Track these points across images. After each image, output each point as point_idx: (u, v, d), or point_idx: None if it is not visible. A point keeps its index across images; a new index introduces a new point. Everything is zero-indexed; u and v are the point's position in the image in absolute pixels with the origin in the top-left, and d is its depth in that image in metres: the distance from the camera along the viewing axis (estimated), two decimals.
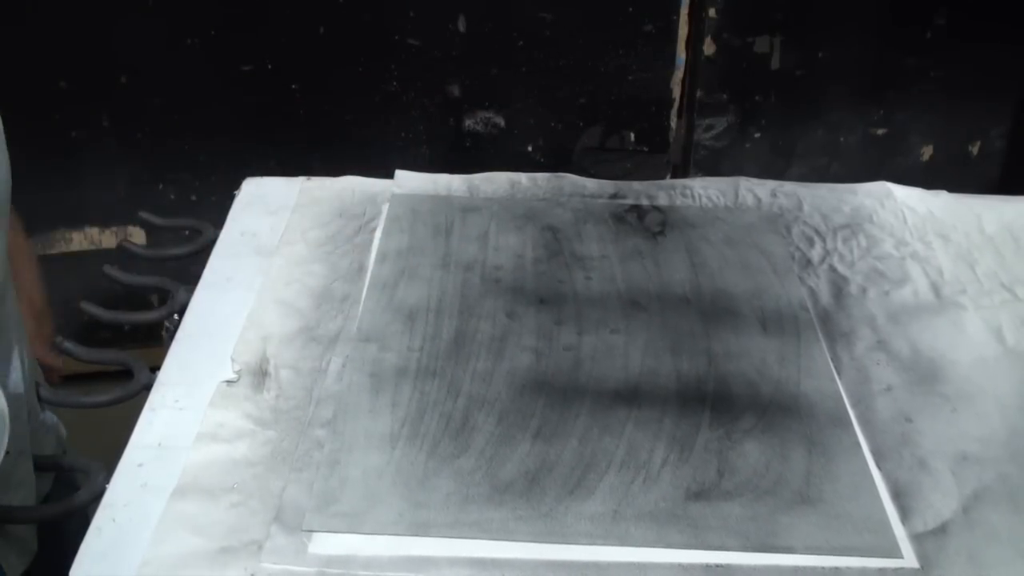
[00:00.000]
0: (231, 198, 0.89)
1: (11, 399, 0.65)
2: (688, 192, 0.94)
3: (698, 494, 0.61)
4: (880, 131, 1.63)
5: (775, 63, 1.56)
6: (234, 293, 0.77)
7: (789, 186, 0.95)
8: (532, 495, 0.60)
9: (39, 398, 0.70)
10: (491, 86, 1.54)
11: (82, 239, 1.61)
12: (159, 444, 0.63)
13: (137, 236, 1.54)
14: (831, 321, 0.77)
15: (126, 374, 0.70)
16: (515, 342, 0.73)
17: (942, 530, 0.59)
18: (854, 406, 0.69)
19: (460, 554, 0.56)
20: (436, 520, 0.58)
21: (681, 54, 1.55)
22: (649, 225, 0.89)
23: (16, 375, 0.66)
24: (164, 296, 0.79)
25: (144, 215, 0.88)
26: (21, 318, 0.70)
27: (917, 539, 0.58)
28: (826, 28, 1.55)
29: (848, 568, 0.57)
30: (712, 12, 1.50)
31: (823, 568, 0.56)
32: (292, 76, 1.51)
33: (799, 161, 1.64)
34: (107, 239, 1.61)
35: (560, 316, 0.76)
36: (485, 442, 0.64)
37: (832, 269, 0.83)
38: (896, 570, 0.57)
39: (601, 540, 0.58)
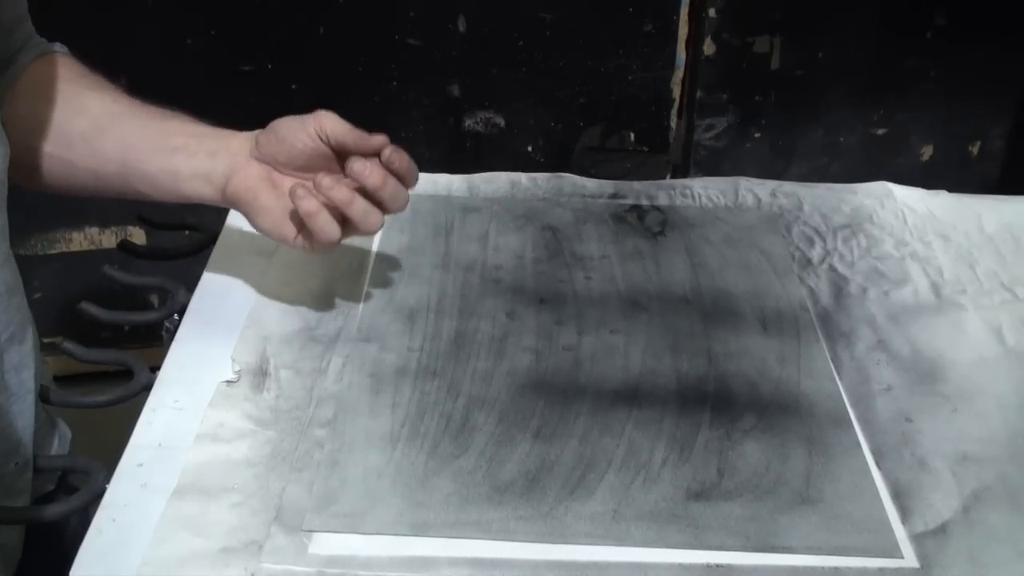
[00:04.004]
0: None
1: (22, 405, 0.65)
2: (688, 192, 0.94)
3: (698, 494, 0.61)
4: (880, 131, 1.63)
5: (775, 63, 1.56)
6: (234, 293, 0.77)
7: (789, 186, 0.95)
8: (532, 495, 0.60)
9: (44, 399, 0.70)
10: (491, 86, 1.54)
11: (82, 239, 1.61)
12: (159, 444, 0.63)
13: (137, 236, 1.54)
14: (831, 321, 0.77)
15: (126, 374, 0.70)
16: (515, 342, 0.73)
17: (942, 530, 0.59)
18: (854, 406, 0.69)
19: (460, 554, 0.56)
20: (436, 520, 0.58)
21: (681, 54, 1.55)
22: (649, 225, 0.89)
23: (27, 375, 0.65)
24: (164, 296, 0.79)
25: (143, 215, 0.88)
26: (31, 317, 0.69)
27: (917, 539, 0.59)
28: (826, 28, 1.55)
29: (848, 568, 0.57)
30: (712, 12, 1.51)
31: (823, 568, 0.56)
32: (292, 76, 1.51)
33: (799, 161, 1.64)
34: (107, 239, 1.61)
35: (560, 316, 0.76)
36: (485, 442, 0.64)
37: (832, 269, 0.84)
38: (896, 570, 0.57)
39: (601, 540, 0.58)
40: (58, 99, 0.70)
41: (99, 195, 0.73)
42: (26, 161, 0.70)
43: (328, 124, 0.69)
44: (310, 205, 0.67)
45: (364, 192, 0.68)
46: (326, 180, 0.67)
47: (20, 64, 0.71)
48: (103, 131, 0.70)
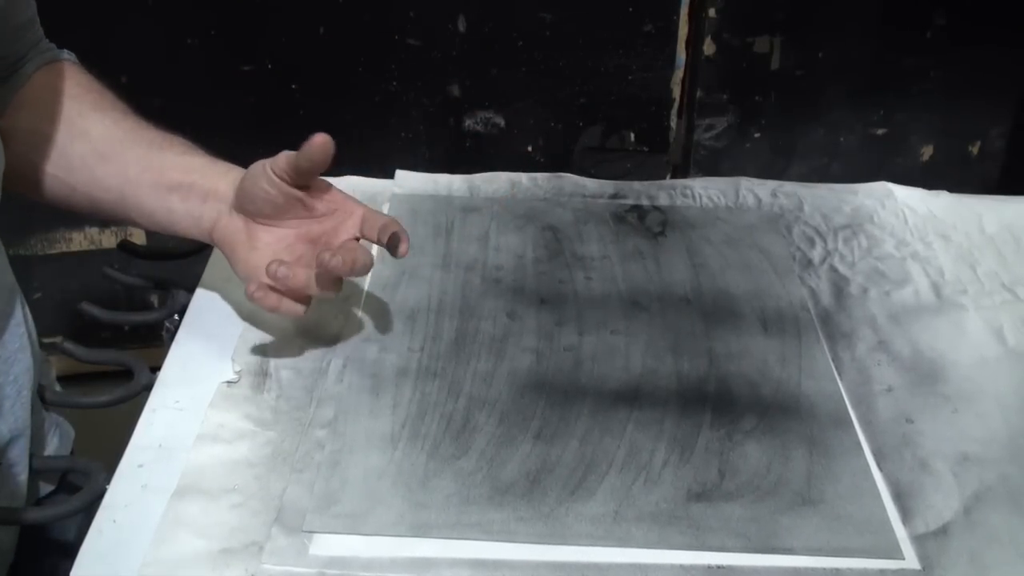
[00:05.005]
0: None
1: (16, 402, 0.64)
2: (688, 192, 0.94)
3: (699, 495, 0.61)
4: (880, 131, 1.63)
5: (775, 63, 1.56)
6: (234, 293, 0.77)
7: (789, 186, 0.95)
8: (533, 496, 0.60)
9: (43, 400, 0.70)
10: (491, 86, 1.54)
11: (82, 239, 1.61)
12: (159, 445, 0.63)
13: (137, 236, 1.54)
14: (832, 321, 0.77)
15: (126, 374, 0.70)
16: (516, 343, 0.73)
17: (943, 531, 0.59)
18: (855, 407, 0.69)
19: (461, 555, 0.56)
20: (437, 521, 0.58)
21: (681, 54, 1.55)
22: (650, 225, 0.89)
23: (3, 380, 0.65)
24: (164, 296, 0.79)
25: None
26: (24, 302, 0.69)
27: (918, 540, 0.58)
28: (826, 28, 1.55)
29: (849, 569, 0.56)
30: (712, 12, 1.50)
31: (824, 569, 0.56)
32: (292, 76, 1.51)
33: (799, 161, 1.64)
34: (107, 239, 1.61)
35: (561, 316, 0.76)
36: (486, 443, 0.64)
37: (833, 269, 0.83)
38: (897, 571, 0.57)
39: (602, 541, 0.58)
40: (60, 118, 0.70)
41: (99, 218, 0.73)
42: (27, 174, 0.70)
43: (280, 161, 0.66)
44: (270, 302, 0.66)
45: None
46: (280, 270, 0.65)
47: (25, 73, 0.71)
48: (103, 158, 0.70)
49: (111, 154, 0.70)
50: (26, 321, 0.67)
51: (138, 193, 0.70)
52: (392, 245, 0.67)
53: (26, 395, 0.66)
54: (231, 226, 0.70)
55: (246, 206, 0.69)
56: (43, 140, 0.69)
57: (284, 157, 0.67)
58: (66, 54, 0.75)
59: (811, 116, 1.61)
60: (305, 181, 0.68)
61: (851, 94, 1.60)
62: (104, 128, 0.70)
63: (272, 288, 0.66)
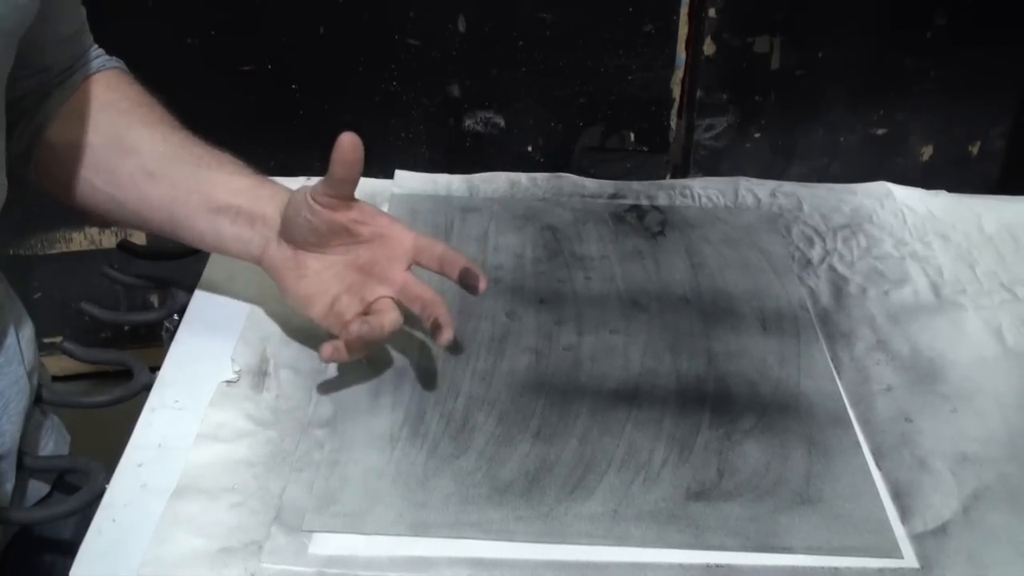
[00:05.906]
0: None
1: (3, 414, 0.64)
2: (688, 192, 0.94)
3: (698, 494, 0.61)
4: (880, 131, 1.63)
5: (775, 63, 1.56)
6: (234, 293, 0.77)
7: (789, 186, 0.95)
8: (532, 495, 0.60)
9: (40, 399, 0.70)
10: (491, 86, 1.54)
11: (82, 239, 1.61)
12: (159, 444, 0.63)
13: (137, 236, 1.54)
14: (831, 321, 0.77)
15: (126, 374, 0.70)
16: (515, 342, 0.73)
17: (942, 530, 0.59)
18: (854, 406, 0.69)
19: (460, 554, 0.56)
20: (436, 520, 0.58)
21: (681, 54, 1.55)
22: (649, 225, 0.89)
23: (8, 384, 0.65)
24: (164, 296, 0.79)
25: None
26: (21, 312, 0.69)
27: (917, 539, 0.59)
28: (826, 28, 1.55)
29: (848, 568, 0.57)
30: (712, 12, 1.51)
31: (823, 568, 0.56)
32: (292, 76, 1.51)
33: (799, 161, 1.64)
34: (107, 239, 1.61)
35: (560, 316, 0.76)
36: (485, 442, 0.64)
37: (832, 269, 0.84)
38: (896, 570, 0.57)
39: (601, 540, 0.58)
40: (109, 133, 0.69)
41: (149, 232, 0.71)
42: (76, 187, 0.69)
43: (318, 187, 0.65)
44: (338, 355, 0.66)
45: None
46: (326, 352, 0.65)
47: (73, 83, 0.70)
48: (151, 176, 0.69)
49: (159, 172, 0.69)
50: (17, 332, 0.67)
51: (188, 215, 0.69)
52: (469, 284, 0.67)
53: (14, 407, 0.65)
54: (280, 254, 0.68)
55: (291, 235, 0.67)
56: (92, 154, 0.68)
57: (321, 182, 0.65)
58: (115, 62, 0.73)
59: (811, 116, 1.62)
60: (344, 191, 0.65)
61: (851, 94, 1.60)
62: (152, 145, 0.69)
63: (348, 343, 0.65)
